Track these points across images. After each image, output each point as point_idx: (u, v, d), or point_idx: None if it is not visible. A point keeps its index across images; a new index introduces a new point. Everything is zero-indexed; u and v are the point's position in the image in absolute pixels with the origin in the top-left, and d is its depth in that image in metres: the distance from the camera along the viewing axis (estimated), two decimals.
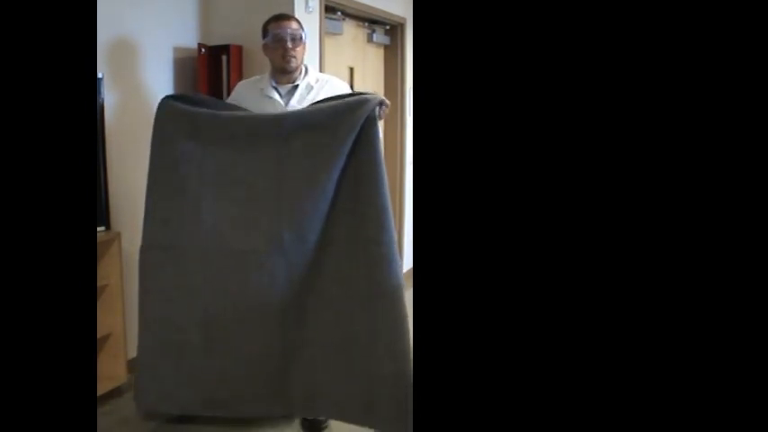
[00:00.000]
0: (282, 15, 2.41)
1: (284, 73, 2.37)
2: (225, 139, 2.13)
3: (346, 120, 2.04)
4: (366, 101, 2.06)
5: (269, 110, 2.34)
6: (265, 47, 2.38)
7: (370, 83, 4.00)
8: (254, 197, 2.11)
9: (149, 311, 2.20)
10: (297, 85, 2.37)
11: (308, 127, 2.08)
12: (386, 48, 4.14)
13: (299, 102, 2.35)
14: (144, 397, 2.24)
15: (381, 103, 2.10)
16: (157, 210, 2.16)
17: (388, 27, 4.07)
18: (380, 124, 2.16)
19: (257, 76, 2.52)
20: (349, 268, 2.08)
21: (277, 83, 2.39)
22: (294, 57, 2.33)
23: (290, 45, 2.31)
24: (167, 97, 2.22)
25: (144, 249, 2.19)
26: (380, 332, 2.05)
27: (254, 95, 2.40)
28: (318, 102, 2.22)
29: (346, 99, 2.12)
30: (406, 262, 4.30)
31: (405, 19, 4.07)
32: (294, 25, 2.35)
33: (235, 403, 2.17)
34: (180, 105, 2.17)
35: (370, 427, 2.14)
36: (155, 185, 2.17)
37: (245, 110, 2.28)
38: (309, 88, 2.38)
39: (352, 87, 2.78)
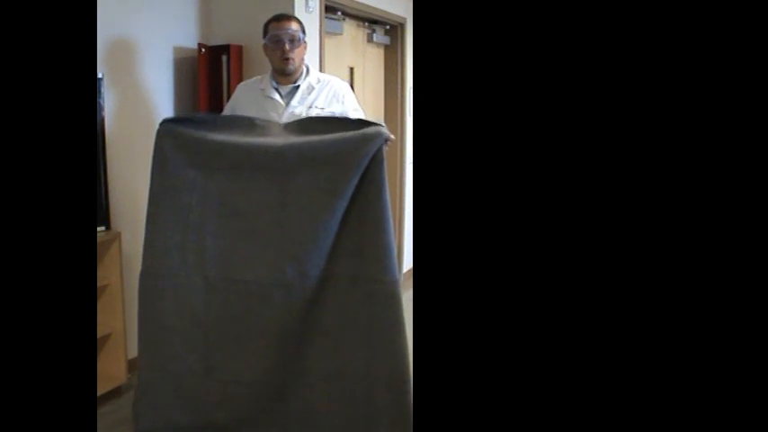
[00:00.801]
0: (283, 16, 2.39)
1: (284, 74, 2.37)
2: (227, 168, 2.11)
3: (352, 158, 2.01)
4: (373, 138, 2.02)
5: (270, 110, 2.33)
6: (265, 47, 2.38)
7: (370, 83, 4.00)
8: (256, 229, 2.10)
9: (148, 337, 2.19)
10: (298, 86, 2.37)
11: (312, 162, 2.05)
12: (386, 48, 4.14)
13: (299, 102, 2.35)
14: (142, 421, 2.24)
15: (386, 140, 2.06)
16: (158, 238, 2.15)
17: (388, 27, 4.07)
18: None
19: (258, 77, 2.51)
20: (350, 304, 2.08)
21: (278, 83, 2.38)
22: (292, 59, 2.32)
23: (287, 47, 2.30)
24: (166, 121, 2.17)
25: (143, 276, 2.17)
26: (380, 365, 2.06)
27: (255, 96, 2.39)
28: (323, 117, 2.20)
29: (352, 134, 2.06)
30: (406, 262, 4.30)
31: (405, 19, 4.07)
32: (294, 26, 2.33)
33: (235, 426, 2.17)
34: (180, 130, 2.13)
35: None
36: (156, 213, 2.15)
37: (244, 120, 2.22)
38: (311, 89, 2.37)
39: (352, 87, 2.76)
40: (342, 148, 2.03)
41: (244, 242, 2.11)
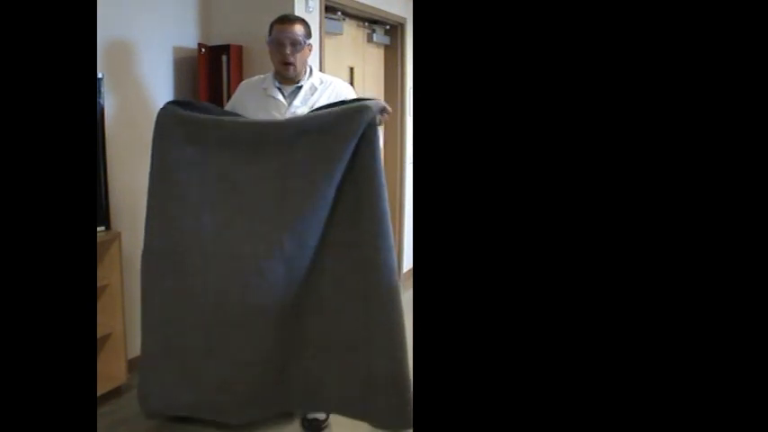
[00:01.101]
0: (287, 18, 2.38)
1: (284, 77, 2.37)
2: (226, 144, 2.13)
3: (347, 125, 2.04)
4: (367, 107, 2.06)
5: (272, 110, 2.33)
6: (268, 47, 2.37)
7: (370, 83, 4.00)
8: (254, 203, 2.11)
9: (151, 315, 2.20)
10: (300, 86, 2.37)
11: (310, 133, 2.08)
12: (386, 48, 4.14)
13: (302, 102, 2.34)
14: (147, 399, 2.25)
15: (383, 110, 2.10)
16: (158, 214, 2.16)
17: (388, 27, 4.07)
18: (380, 129, 2.16)
19: (261, 75, 2.50)
20: (345, 271, 2.11)
21: (280, 83, 2.38)
22: (293, 63, 2.31)
23: (288, 51, 2.29)
24: (169, 103, 2.22)
25: (145, 253, 2.19)
26: (376, 331, 2.08)
27: (258, 95, 2.39)
28: (320, 108, 2.22)
29: (348, 105, 2.12)
30: (406, 262, 4.30)
31: (405, 19, 4.07)
32: (297, 30, 2.32)
33: (236, 408, 2.18)
34: (181, 111, 2.17)
35: (369, 421, 2.16)
36: (156, 190, 2.17)
37: (244, 118, 2.28)
38: (313, 89, 2.37)
39: (352, 86, 2.77)
40: (338, 118, 2.07)
41: (242, 217, 2.12)
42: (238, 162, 2.12)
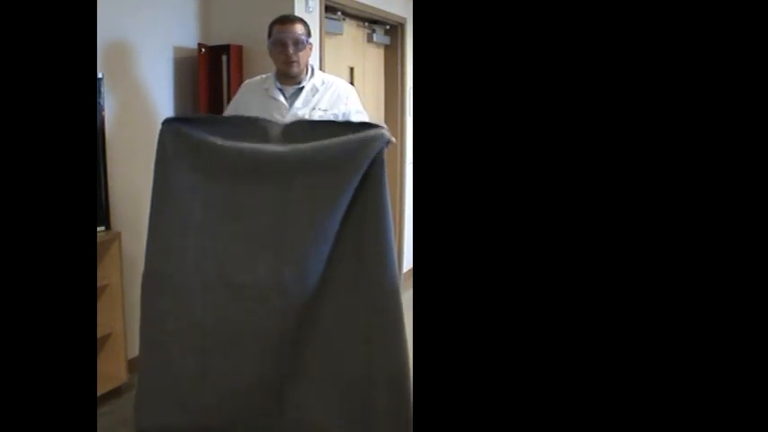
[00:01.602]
0: (287, 18, 2.38)
1: (287, 77, 2.36)
2: (228, 172, 2.11)
3: (352, 161, 2.00)
4: (373, 140, 2.01)
5: (273, 111, 2.32)
6: (269, 49, 2.36)
7: (370, 83, 4.00)
8: (256, 232, 2.10)
9: (150, 338, 2.20)
10: (302, 87, 2.36)
11: (312, 167, 2.04)
12: (386, 48, 4.14)
13: (303, 104, 2.34)
14: (142, 420, 2.25)
15: (387, 142, 2.04)
16: (159, 239, 2.16)
17: (388, 27, 4.07)
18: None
19: (263, 75, 2.49)
20: (349, 309, 2.08)
21: (282, 84, 2.37)
22: (296, 62, 2.31)
23: (290, 50, 2.29)
24: (169, 120, 2.17)
25: (145, 277, 2.18)
26: (379, 369, 2.05)
27: (259, 96, 2.38)
28: (324, 121, 2.20)
29: (353, 137, 2.05)
30: (406, 262, 4.30)
31: (405, 19, 4.07)
32: (298, 29, 2.32)
33: (232, 431, 2.17)
34: (183, 131, 2.12)
35: None
36: (158, 214, 2.16)
37: (247, 120, 2.20)
38: (315, 90, 2.36)
39: (352, 86, 2.76)
40: (342, 152, 2.03)
41: (243, 245, 2.11)
42: (239, 191, 2.10)
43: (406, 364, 2.04)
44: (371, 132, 2.04)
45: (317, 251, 2.06)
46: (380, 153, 2.02)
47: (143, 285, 2.18)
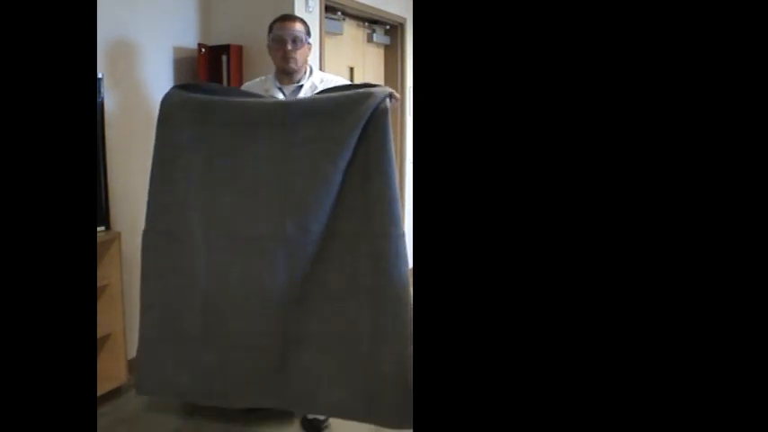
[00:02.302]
0: (287, 16, 2.41)
1: (286, 74, 2.37)
2: (228, 125, 2.10)
3: (355, 109, 1.99)
4: (375, 93, 2.02)
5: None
6: (269, 47, 2.39)
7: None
8: (257, 185, 2.08)
9: (149, 297, 2.18)
10: (301, 86, 2.38)
11: (314, 116, 2.04)
12: (386, 48, 4.14)
13: None
14: (144, 382, 2.22)
15: (391, 96, 2.05)
16: (160, 195, 2.15)
17: (388, 27, 4.07)
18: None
19: (262, 77, 2.51)
20: (353, 262, 2.04)
21: (281, 83, 2.38)
22: (294, 58, 2.32)
23: (290, 47, 2.31)
24: (174, 87, 2.21)
25: (146, 233, 2.17)
26: (384, 328, 2.01)
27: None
28: (326, 90, 2.20)
29: (355, 90, 2.08)
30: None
31: (405, 19, 4.07)
32: (298, 27, 2.34)
33: (233, 394, 2.14)
34: (185, 94, 2.15)
35: (372, 421, 2.10)
36: (158, 171, 2.15)
37: (255, 95, 2.25)
38: (314, 88, 2.37)
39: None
40: (344, 101, 2.03)
41: (245, 198, 2.09)
42: (239, 143, 2.09)
43: (409, 319, 2.00)
44: (374, 88, 2.05)
45: (319, 202, 2.03)
46: (383, 102, 2.01)
47: (143, 243, 2.17)
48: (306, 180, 2.03)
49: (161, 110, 2.15)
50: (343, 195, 2.04)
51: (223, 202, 2.11)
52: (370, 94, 2.01)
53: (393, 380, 2.01)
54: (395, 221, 2.01)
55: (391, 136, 2.02)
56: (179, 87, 2.22)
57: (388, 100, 2.03)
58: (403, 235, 2.02)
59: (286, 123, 2.06)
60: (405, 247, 2.03)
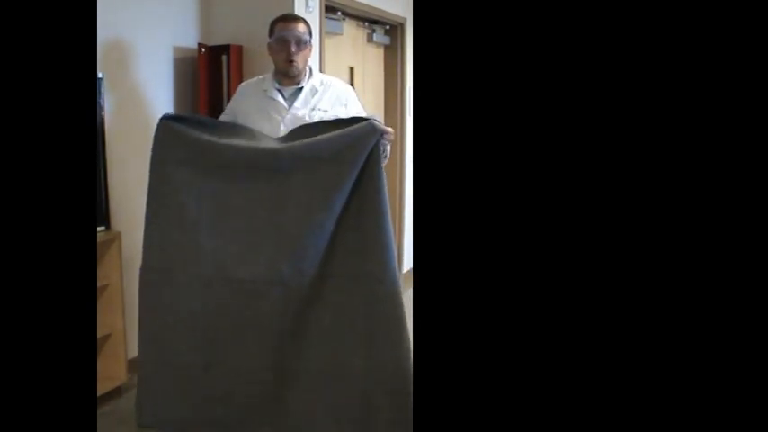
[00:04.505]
0: (290, 16, 2.38)
1: (287, 76, 2.34)
2: (223, 169, 2.11)
3: (348, 154, 2.01)
4: (367, 133, 2.02)
5: (272, 112, 2.32)
6: (270, 47, 2.35)
7: (370, 83, 4.00)
8: (252, 229, 2.10)
9: (148, 332, 2.20)
10: (301, 88, 2.35)
11: (308, 161, 2.06)
12: (386, 48, 4.14)
13: (303, 105, 2.32)
14: (143, 414, 2.25)
15: (383, 134, 2.05)
16: (156, 235, 2.16)
17: (388, 27, 4.07)
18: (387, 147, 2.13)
19: (260, 77, 2.48)
20: (348, 304, 2.08)
21: (281, 84, 2.36)
22: (296, 61, 2.30)
23: (293, 49, 2.28)
24: (165, 117, 2.17)
25: (143, 272, 2.19)
26: (379, 368, 2.05)
27: (258, 97, 2.37)
28: (315, 124, 2.20)
29: (347, 130, 2.06)
30: (406, 262, 4.30)
31: (405, 19, 4.07)
32: (301, 28, 2.31)
33: (233, 423, 2.17)
34: (178, 128, 2.13)
35: None
36: (153, 210, 2.16)
37: (244, 130, 2.23)
38: (314, 91, 2.35)
39: (352, 86, 2.76)
40: (337, 146, 2.03)
41: (239, 241, 2.11)
42: (234, 188, 2.11)
43: (407, 362, 2.03)
44: (364, 125, 2.05)
45: (313, 246, 2.06)
46: (376, 146, 2.03)
47: (141, 280, 2.18)
48: (301, 225, 2.06)
49: (154, 144, 2.14)
50: (338, 238, 2.07)
51: (218, 245, 2.12)
52: (362, 137, 2.02)
53: (389, 416, 2.03)
54: (389, 265, 2.04)
55: (384, 179, 2.05)
56: (171, 118, 2.18)
57: (383, 141, 2.04)
58: (397, 281, 2.06)
59: (279, 170, 2.08)
60: (399, 291, 2.06)
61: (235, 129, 2.26)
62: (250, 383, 2.14)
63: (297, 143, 2.10)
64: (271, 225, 2.09)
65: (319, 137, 2.08)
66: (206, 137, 2.14)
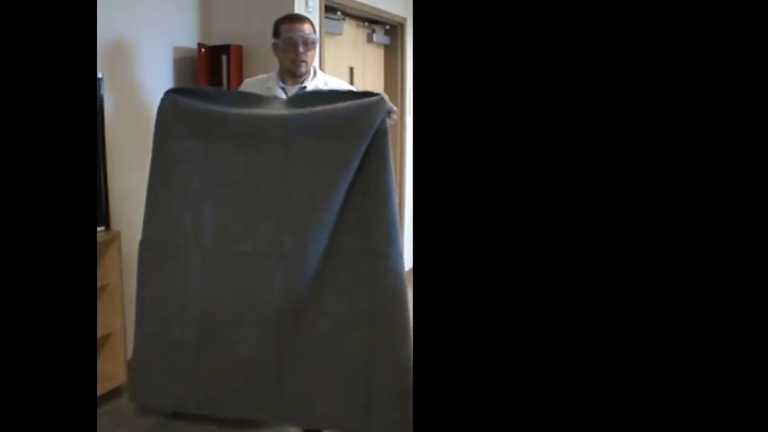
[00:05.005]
0: (296, 16, 2.38)
1: (293, 76, 2.35)
2: (227, 138, 2.10)
3: (355, 128, 1.99)
4: (375, 107, 2.00)
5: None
6: (275, 47, 2.34)
7: (370, 83, 4.00)
8: (255, 200, 2.08)
9: (145, 308, 2.18)
10: (305, 87, 2.35)
11: (315, 132, 2.03)
12: (386, 48, 4.14)
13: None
14: (139, 392, 2.22)
15: (389, 112, 2.04)
16: (158, 208, 2.14)
17: (388, 27, 4.07)
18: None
19: (264, 75, 2.48)
20: (350, 281, 2.05)
21: (285, 83, 2.36)
22: (305, 61, 2.30)
23: (301, 50, 2.28)
24: (170, 91, 2.18)
25: (142, 245, 2.17)
26: (380, 346, 2.02)
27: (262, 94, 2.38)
28: (327, 92, 2.19)
29: (355, 103, 2.05)
30: (407, 262, 4.29)
31: (405, 19, 4.07)
32: (307, 29, 2.32)
33: (228, 404, 2.14)
34: (182, 100, 2.13)
35: None
36: (155, 183, 2.15)
37: (252, 97, 2.22)
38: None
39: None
40: (345, 118, 2.01)
41: (242, 213, 2.09)
42: (238, 158, 2.09)
43: (407, 343, 2.00)
44: (373, 99, 2.03)
45: (317, 219, 2.03)
46: (384, 121, 2.00)
47: (140, 255, 2.17)
48: (304, 198, 2.03)
49: (158, 118, 2.14)
50: (342, 213, 2.04)
51: (220, 217, 2.10)
52: (370, 111, 2.00)
53: (390, 395, 2.01)
54: (393, 241, 2.02)
55: (391, 156, 2.02)
56: (174, 91, 2.19)
57: (387, 120, 2.02)
58: (401, 255, 2.03)
59: (285, 139, 2.05)
60: (403, 267, 2.04)
61: (242, 96, 2.25)
62: (247, 364, 2.11)
63: (305, 111, 2.08)
64: (274, 196, 2.06)
65: (328, 107, 2.06)
66: (212, 107, 2.12)
